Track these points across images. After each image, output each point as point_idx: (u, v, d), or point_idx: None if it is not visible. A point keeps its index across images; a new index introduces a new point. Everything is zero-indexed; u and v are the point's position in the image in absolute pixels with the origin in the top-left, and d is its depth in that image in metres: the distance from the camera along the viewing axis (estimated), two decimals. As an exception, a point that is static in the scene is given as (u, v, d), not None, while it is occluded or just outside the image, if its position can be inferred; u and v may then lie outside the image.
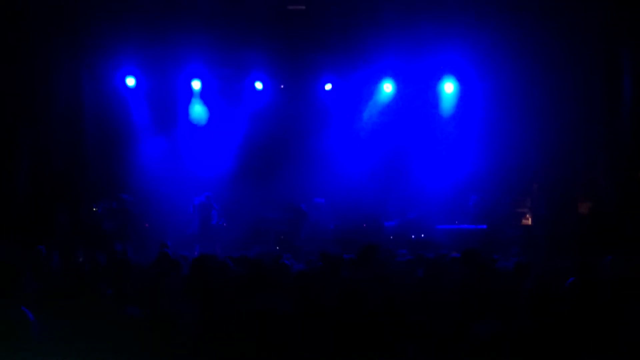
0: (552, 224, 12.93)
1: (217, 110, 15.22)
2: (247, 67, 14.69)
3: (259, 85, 15.01)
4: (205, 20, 13.01)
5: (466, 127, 14.57)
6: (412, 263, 7.43)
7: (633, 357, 3.86)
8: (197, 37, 13.18)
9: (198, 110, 15.17)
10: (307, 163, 14.45)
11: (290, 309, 4.46)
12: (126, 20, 12.97)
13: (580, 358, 3.79)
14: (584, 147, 12.96)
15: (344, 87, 15.03)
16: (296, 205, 14.14)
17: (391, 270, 6.88)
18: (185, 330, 3.68)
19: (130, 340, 3.74)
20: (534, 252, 11.54)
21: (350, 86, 15.00)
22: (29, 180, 12.95)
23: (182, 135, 15.13)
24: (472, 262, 6.20)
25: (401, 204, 14.37)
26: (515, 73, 13.40)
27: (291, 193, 14.29)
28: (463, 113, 14.68)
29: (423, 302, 5.08)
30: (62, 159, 13.60)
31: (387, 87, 14.90)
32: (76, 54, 13.84)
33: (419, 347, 4.31)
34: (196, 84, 14.94)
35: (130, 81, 14.60)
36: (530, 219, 14.04)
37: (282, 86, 15.38)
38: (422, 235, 13.76)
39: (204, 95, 15.12)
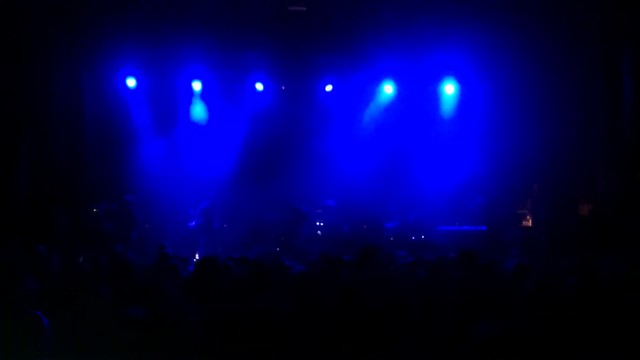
0: (553, 225, 12.92)
1: (218, 111, 15.23)
2: (247, 68, 14.70)
3: (259, 86, 15.02)
4: (205, 22, 13.02)
5: (466, 128, 14.58)
6: (413, 264, 7.43)
7: (633, 358, 3.86)
8: (198, 38, 13.19)
9: (198, 111, 15.17)
10: (307, 164, 14.45)
11: (291, 309, 4.46)
12: (127, 21, 12.98)
13: (581, 358, 3.78)
14: (584, 148, 12.96)
15: (344, 88, 15.04)
16: (296, 206, 14.14)
17: (391, 271, 6.87)
18: (188, 331, 3.67)
19: (133, 341, 3.73)
20: (534, 253, 11.54)
21: (351, 87, 15.02)
22: (29, 180, 12.94)
23: (182, 137, 15.14)
24: (470, 262, 6.20)
25: (401, 205, 14.37)
26: (515, 74, 13.41)
27: (291, 194, 14.29)
28: (463, 114, 14.69)
29: (423, 303, 5.08)
30: (63, 160, 13.60)
31: (388, 89, 14.91)
32: (77, 55, 13.84)
33: (419, 347, 4.30)
34: (197, 85, 14.95)
35: (131, 82, 14.61)
36: (530, 220, 14.04)
37: (282, 87, 15.39)
38: (423, 237, 13.78)
39: (204, 96, 15.13)
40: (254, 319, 4.01)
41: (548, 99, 13.14)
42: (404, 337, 4.35)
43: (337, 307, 4.70)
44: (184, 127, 15.16)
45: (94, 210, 13.90)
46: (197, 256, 13.14)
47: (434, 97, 14.96)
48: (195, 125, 15.22)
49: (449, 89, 14.74)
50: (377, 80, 14.87)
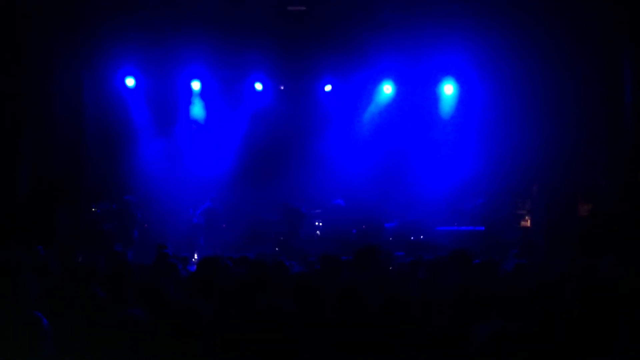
0: (552, 226, 12.93)
1: (217, 111, 15.22)
2: (247, 68, 14.70)
3: (258, 86, 15.02)
4: (205, 21, 13.02)
5: (466, 128, 14.59)
6: (412, 265, 7.43)
7: (633, 358, 3.86)
8: (197, 37, 13.19)
9: (197, 110, 15.16)
10: (306, 164, 14.46)
11: (290, 310, 4.46)
12: (126, 21, 12.99)
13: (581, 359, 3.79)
14: (584, 148, 12.96)
15: (343, 88, 15.05)
16: (295, 206, 14.14)
17: (391, 271, 6.87)
18: (188, 331, 3.67)
19: (133, 341, 3.73)
20: (533, 254, 11.55)
21: (350, 87, 15.02)
22: (29, 181, 12.94)
23: (181, 136, 15.14)
24: (462, 263, 6.20)
25: (401, 205, 14.37)
26: (514, 74, 13.41)
27: (291, 194, 14.29)
28: (463, 115, 14.69)
29: (422, 303, 5.08)
30: (63, 160, 13.59)
31: (387, 89, 14.91)
32: (76, 55, 13.84)
33: (419, 348, 4.30)
34: (196, 85, 14.95)
35: (130, 82, 14.60)
36: (529, 221, 14.04)
37: (282, 87, 15.39)
38: (422, 237, 13.78)
39: (203, 96, 15.12)
40: (255, 319, 4.01)
41: (548, 100, 13.14)
42: (403, 337, 4.35)
43: (337, 307, 4.70)
44: (184, 127, 15.16)
45: (94, 210, 13.90)
46: (196, 256, 13.14)
47: (433, 97, 14.96)
48: (194, 124, 15.20)
49: (449, 89, 14.75)
50: (376, 81, 14.88)
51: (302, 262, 8.75)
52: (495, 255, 9.57)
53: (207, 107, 15.21)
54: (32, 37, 12.60)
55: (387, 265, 7.24)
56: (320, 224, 14.68)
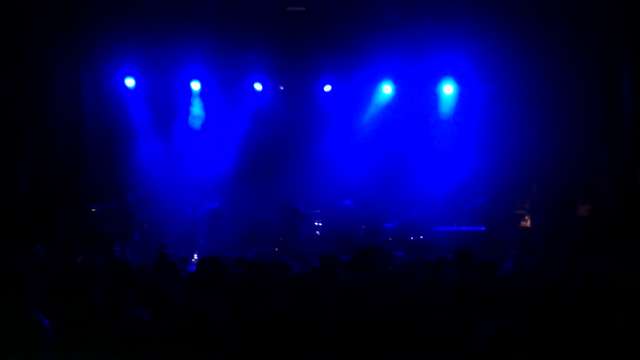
0: (551, 226, 12.94)
1: (217, 112, 15.21)
2: (246, 69, 14.68)
3: (258, 86, 15.01)
4: (204, 21, 13.01)
5: (465, 128, 14.58)
6: (412, 265, 7.44)
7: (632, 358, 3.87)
8: (197, 38, 13.17)
9: (195, 118, 15.15)
10: (306, 164, 14.46)
11: (290, 310, 4.46)
12: (126, 22, 12.97)
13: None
14: (584, 148, 12.97)
15: (343, 88, 15.03)
16: (295, 206, 14.14)
17: (391, 272, 6.88)
18: (191, 331, 3.67)
19: (139, 342, 3.73)
20: (532, 254, 11.56)
21: (350, 88, 15.01)
22: (29, 180, 12.93)
23: (181, 137, 15.13)
24: (464, 263, 6.20)
25: (400, 205, 14.37)
26: (514, 75, 13.41)
27: (290, 194, 14.29)
28: (462, 115, 14.69)
29: (422, 303, 5.08)
30: (62, 160, 13.58)
31: (387, 89, 14.91)
32: (76, 55, 13.82)
33: (419, 348, 4.31)
34: (195, 85, 14.94)
35: (130, 82, 14.60)
36: (529, 221, 14.05)
37: (281, 87, 15.38)
38: (421, 237, 13.78)
39: (203, 96, 15.11)
40: (254, 319, 4.02)
41: (547, 100, 13.15)
42: (403, 337, 4.35)
43: (336, 307, 4.71)
44: (183, 128, 15.15)
45: (93, 210, 13.89)
46: (195, 256, 13.14)
47: (433, 97, 14.95)
48: (191, 126, 15.21)
49: (448, 89, 14.75)
50: (375, 81, 14.86)
51: (301, 263, 8.75)
52: (494, 255, 9.59)
53: (207, 107, 15.19)
54: (31, 38, 12.59)
55: (387, 265, 7.25)
56: (320, 224, 14.68)
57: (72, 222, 13.23)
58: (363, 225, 13.97)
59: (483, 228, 13.37)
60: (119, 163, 14.60)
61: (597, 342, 3.88)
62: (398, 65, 14.15)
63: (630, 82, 12.10)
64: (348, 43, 13.67)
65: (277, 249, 13.50)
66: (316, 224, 14.71)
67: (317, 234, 14.63)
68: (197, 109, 15.14)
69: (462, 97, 14.72)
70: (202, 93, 15.08)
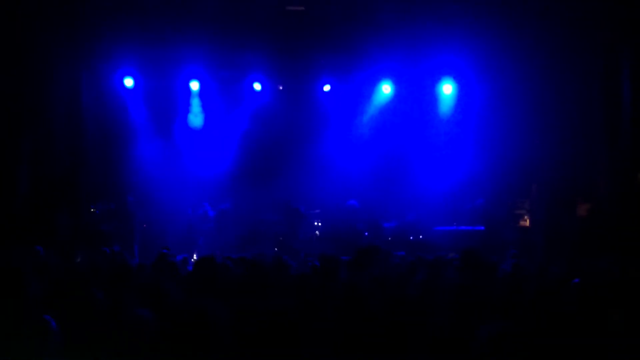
0: (551, 226, 12.94)
1: (216, 111, 15.22)
2: (245, 68, 14.69)
3: (257, 86, 15.01)
4: (203, 21, 13.00)
5: (464, 128, 14.59)
6: (411, 265, 7.44)
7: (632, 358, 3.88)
8: (196, 38, 13.17)
9: (195, 117, 15.15)
10: (305, 164, 14.46)
11: (289, 310, 4.46)
12: (125, 22, 12.95)
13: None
14: (583, 148, 12.97)
15: (342, 88, 15.05)
16: (294, 206, 14.14)
17: (390, 272, 6.88)
18: (192, 331, 3.67)
19: (141, 342, 3.73)
20: (532, 254, 11.56)
21: (349, 87, 15.02)
22: (29, 181, 12.94)
23: (180, 137, 15.13)
24: (471, 263, 6.19)
25: (399, 205, 14.37)
26: (513, 74, 13.42)
27: (290, 194, 14.29)
28: (461, 114, 14.69)
29: (422, 303, 5.09)
30: (62, 160, 13.58)
31: (386, 89, 14.91)
32: (76, 55, 13.82)
33: (419, 348, 4.31)
34: (195, 85, 14.94)
35: (129, 82, 14.59)
36: (528, 221, 14.05)
37: (280, 87, 15.39)
38: (421, 237, 13.78)
39: (202, 96, 15.12)
40: (254, 319, 4.02)
41: (547, 99, 13.15)
42: (403, 337, 4.36)
43: (336, 307, 4.71)
44: (182, 128, 15.16)
45: (92, 210, 13.89)
46: (195, 256, 13.14)
47: (432, 97, 14.96)
48: (191, 128, 15.21)
49: (447, 89, 14.75)
50: (375, 80, 14.87)
51: (301, 263, 8.76)
52: (494, 255, 9.59)
53: (206, 107, 15.20)
54: (31, 38, 12.59)
55: (386, 265, 7.25)
56: (320, 224, 14.68)
57: (72, 222, 13.23)
58: (364, 225, 13.95)
59: (482, 228, 13.37)
60: (118, 163, 14.60)
61: (596, 342, 3.89)
62: (397, 65, 14.16)
63: (629, 82, 12.11)
64: (347, 43, 13.67)
65: (276, 249, 13.50)
66: (315, 223, 14.70)
67: (316, 234, 14.63)
68: (196, 108, 15.14)
69: (462, 96, 14.72)
70: (201, 93, 15.08)
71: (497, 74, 13.72)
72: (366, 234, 13.87)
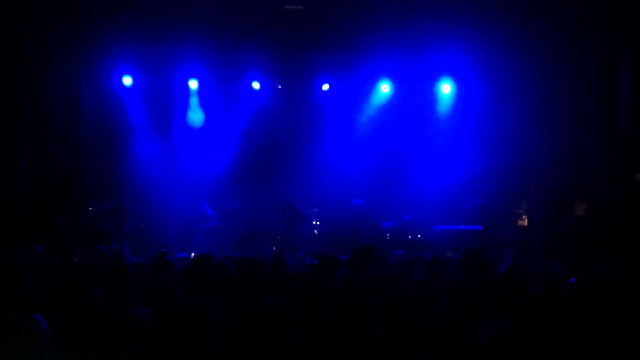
0: (548, 226, 12.95)
1: (214, 110, 15.21)
2: (244, 67, 14.68)
3: (256, 85, 15.01)
4: (202, 20, 13.00)
5: (463, 128, 14.59)
6: (409, 264, 7.44)
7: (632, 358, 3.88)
8: (194, 36, 13.17)
9: (195, 115, 15.14)
10: (304, 163, 14.46)
11: (288, 309, 4.46)
12: (123, 20, 12.96)
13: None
14: (581, 148, 12.99)
15: (341, 87, 15.04)
16: (294, 205, 14.13)
17: (389, 271, 6.88)
18: (192, 330, 3.67)
19: (141, 341, 3.73)
20: (530, 254, 11.57)
21: (348, 86, 15.01)
22: (27, 180, 12.92)
23: (179, 135, 15.12)
24: (473, 263, 6.17)
25: (398, 204, 14.36)
26: (512, 74, 13.41)
27: (288, 193, 14.28)
28: (460, 114, 14.70)
29: (420, 303, 5.09)
30: (60, 159, 13.57)
31: (385, 88, 14.91)
32: (74, 54, 13.81)
33: (418, 347, 4.31)
34: (193, 84, 14.93)
35: (127, 80, 14.57)
36: (526, 220, 14.05)
37: (279, 86, 15.38)
38: (419, 236, 13.78)
39: (201, 95, 15.11)
40: (253, 318, 4.02)
41: (545, 99, 13.16)
42: (402, 337, 4.36)
43: (335, 307, 4.71)
44: (181, 127, 15.15)
45: (91, 209, 13.88)
46: (193, 255, 13.12)
47: (431, 96, 14.96)
48: (191, 126, 15.20)
49: (446, 88, 14.75)
50: (373, 80, 14.87)
51: (299, 262, 8.74)
52: (492, 255, 9.59)
53: (205, 106, 15.19)
54: (29, 37, 12.58)
55: (385, 264, 7.24)
56: (318, 223, 14.67)
57: (71, 222, 13.22)
58: (364, 226, 13.94)
59: (480, 227, 13.38)
60: (116, 162, 14.58)
61: (596, 342, 3.89)
62: (396, 64, 14.17)
63: (628, 83, 12.12)
64: (346, 42, 13.68)
65: (275, 248, 13.49)
66: (314, 222, 14.69)
67: (314, 233, 14.62)
68: (195, 107, 15.13)
69: (460, 96, 14.72)
70: (200, 92, 15.07)
71: (496, 74, 13.71)
72: (366, 235, 13.85)
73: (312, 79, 14.93)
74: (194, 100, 15.09)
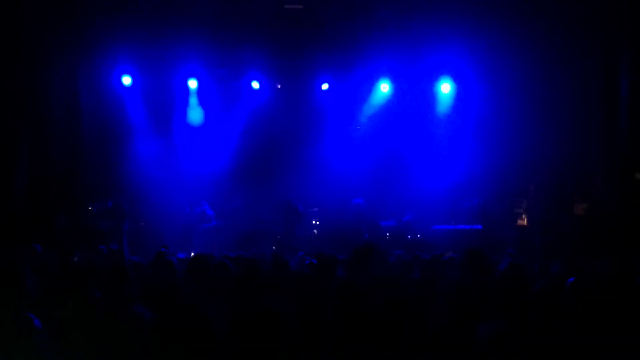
0: (548, 225, 12.95)
1: (214, 110, 15.21)
2: (244, 67, 14.68)
3: (255, 84, 15.00)
4: (202, 19, 13.01)
5: (463, 127, 14.59)
6: (409, 264, 7.44)
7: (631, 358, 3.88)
8: (194, 36, 13.17)
9: (195, 113, 15.14)
10: (303, 163, 14.46)
11: (288, 309, 4.46)
12: (123, 20, 12.96)
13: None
14: (581, 147, 12.99)
15: (340, 87, 15.04)
16: (293, 206, 14.12)
17: (388, 270, 6.87)
18: (191, 330, 3.68)
19: (141, 339, 3.73)
20: (529, 253, 11.56)
21: (347, 86, 15.01)
22: (27, 180, 12.92)
23: (178, 135, 15.12)
24: (473, 262, 6.16)
25: (397, 203, 14.36)
26: (512, 74, 13.42)
27: (288, 193, 14.28)
28: (459, 113, 14.70)
29: (420, 303, 5.09)
30: (60, 159, 13.57)
31: (384, 87, 14.91)
32: (73, 53, 13.81)
33: (418, 347, 4.31)
34: (193, 83, 14.93)
35: (127, 80, 14.57)
36: (526, 220, 14.05)
37: (279, 86, 15.37)
38: (419, 236, 13.78)
39: (200, 94, 15.11)
40: (252, 317, 4.01)
41: (544, 98, 13.17)
42: (401, 336, 4.36)
43: (334, 306, 4.71)
44: (180, 126, 15.15)
45: (90, 209, 13.87)
46: (192, 255, 13.11)
47: (430, 96, 14.95)
48: (191, 125, 15.20)
49: (446, 88, 14.75)
50: (373, 79, 14.86)
51: (299, 261, 8.74)
52: (492, 254, 9.58)
53: (204, 105, 15.19)
54: (28, 36, 12.58)
55: (384, 264, 7.24)
56: (317, 222, 14.66)
57: (70, 221, 13.21)
58: (364, 225, 13.93)
59: (480, 226, 13.38)
60: (116, 162, 14.58)
61: (595, 341, 3.89)
62: (396, 63, 14.17)
63: (627, 82, 12.13)
64: (346, 41, 13.69)
65: (274, 248, 13.49)
66: (314, 222, 14.69)
67: (314, 233, 14.62)
68: (195, 106, 15.13)
69: (460, 95, 14.72)
70: (200, 91, 15.07)
71: (496, 74, 13.72)
72: (366, 235, 13.84)
73: (311, 78, 14.93)
74: (193, 100, 15.09)
